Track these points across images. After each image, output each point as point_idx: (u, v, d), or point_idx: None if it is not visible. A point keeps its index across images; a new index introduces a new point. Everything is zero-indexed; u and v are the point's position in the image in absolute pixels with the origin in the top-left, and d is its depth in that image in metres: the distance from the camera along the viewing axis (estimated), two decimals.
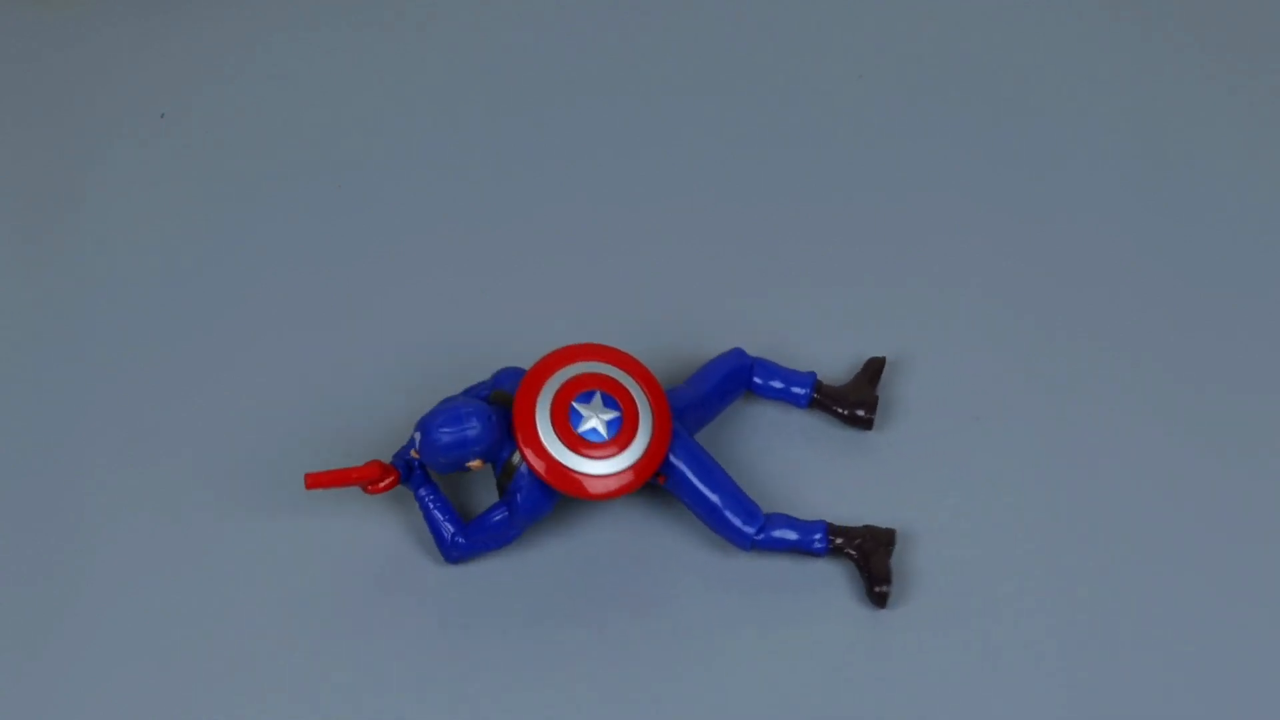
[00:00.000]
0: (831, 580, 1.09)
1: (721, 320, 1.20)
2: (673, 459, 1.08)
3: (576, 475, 1.06)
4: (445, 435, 1.05)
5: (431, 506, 1.09)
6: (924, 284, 1.21)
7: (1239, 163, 1.26)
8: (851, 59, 1.32)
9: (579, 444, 1.06)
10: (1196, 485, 1.13)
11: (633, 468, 1.07)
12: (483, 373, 1.17)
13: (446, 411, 1.06)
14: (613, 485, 1.06)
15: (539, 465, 1.05)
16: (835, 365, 1.17)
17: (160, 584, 1.10)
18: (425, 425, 1.06)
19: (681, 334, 1.19)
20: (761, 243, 1.23)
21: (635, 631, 1.08)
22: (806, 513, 1.11)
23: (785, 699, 1.05)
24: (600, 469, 1.06)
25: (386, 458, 1.14)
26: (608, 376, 1.07)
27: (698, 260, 1.23)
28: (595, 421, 1.06)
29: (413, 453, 1.07)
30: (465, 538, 1.08)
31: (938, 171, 1.26)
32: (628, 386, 1.07)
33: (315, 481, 1.07)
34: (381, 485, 1.08)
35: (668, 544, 1.11)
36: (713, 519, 1.08)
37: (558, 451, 1.06)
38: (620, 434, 1.06)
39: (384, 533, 1.11)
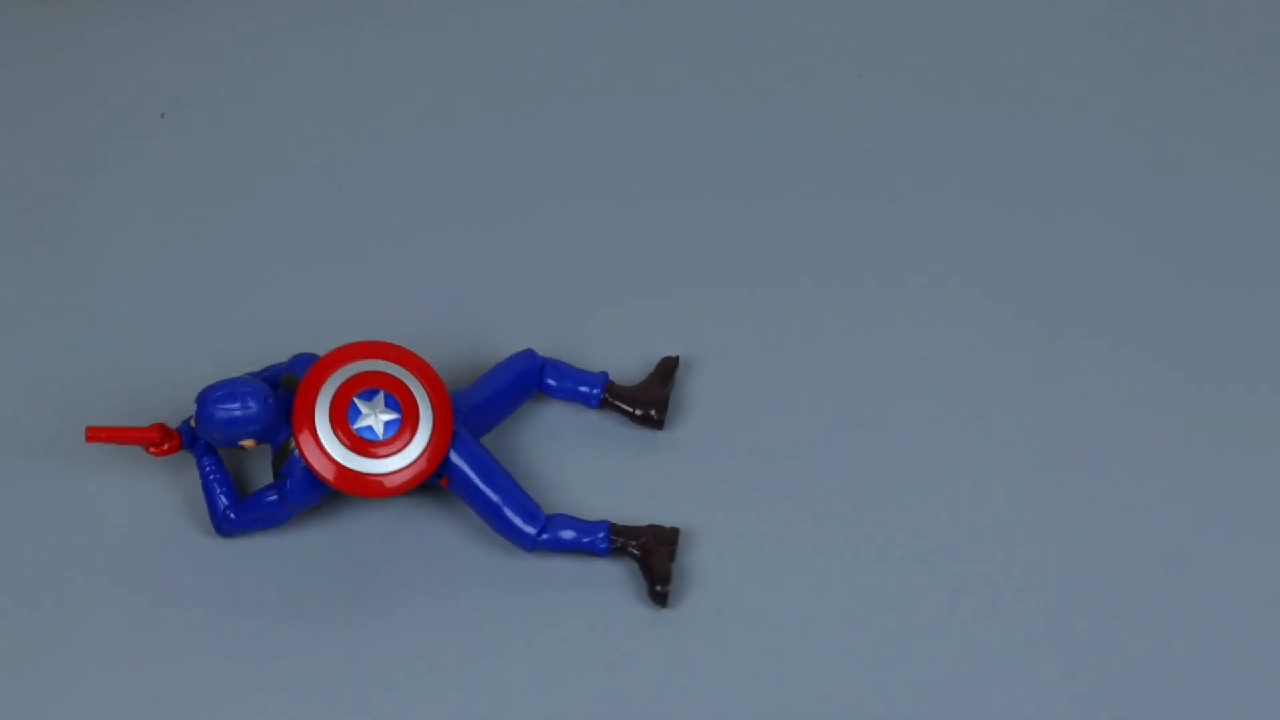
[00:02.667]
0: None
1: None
2: (455, 460, 1.08)
3: (349, 470, 1.06)
4: (219, 411, 1.06)
5: (210, 477, 1.09)
6: (920, 284, 1.21)
7: (1239, 163, 1.26)
8: (851, 59, 1.32)
9: (354, 441, 1.06)
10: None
11: (407, 469, 1.06)
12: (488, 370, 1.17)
13: (224, 387, 1.06)
14: (395, 482, 1.06)
15: (315, 460, 1.06)
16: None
17: None
18: (202, 398, 1.06)
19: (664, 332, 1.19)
20: (763, 242, 1.23)
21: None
22: (593, 513, 1.12)
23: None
24: (372, 468, 1.06)
25: None
26: (393, 376, 1.08)
27: (702, 260, 1.23)
28: (372, 420, 1.06)
29: (191, 422, 1.08)
30: (236, 514, 1.09)
31: (935, 172, 1.26)
32: (411, 388, 1.07)
33: (94, 435, 1.07)
34: (163, 448, 1.08)
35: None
36: (494, 519, 1.08)
37: (332, 445, 1.06)
38: (396, 436, 1.06)
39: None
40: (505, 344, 1.18)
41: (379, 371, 1.08)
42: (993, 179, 1.26)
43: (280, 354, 1.18)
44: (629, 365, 1.18)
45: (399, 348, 1.10)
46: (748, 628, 1.08)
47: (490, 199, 1.26)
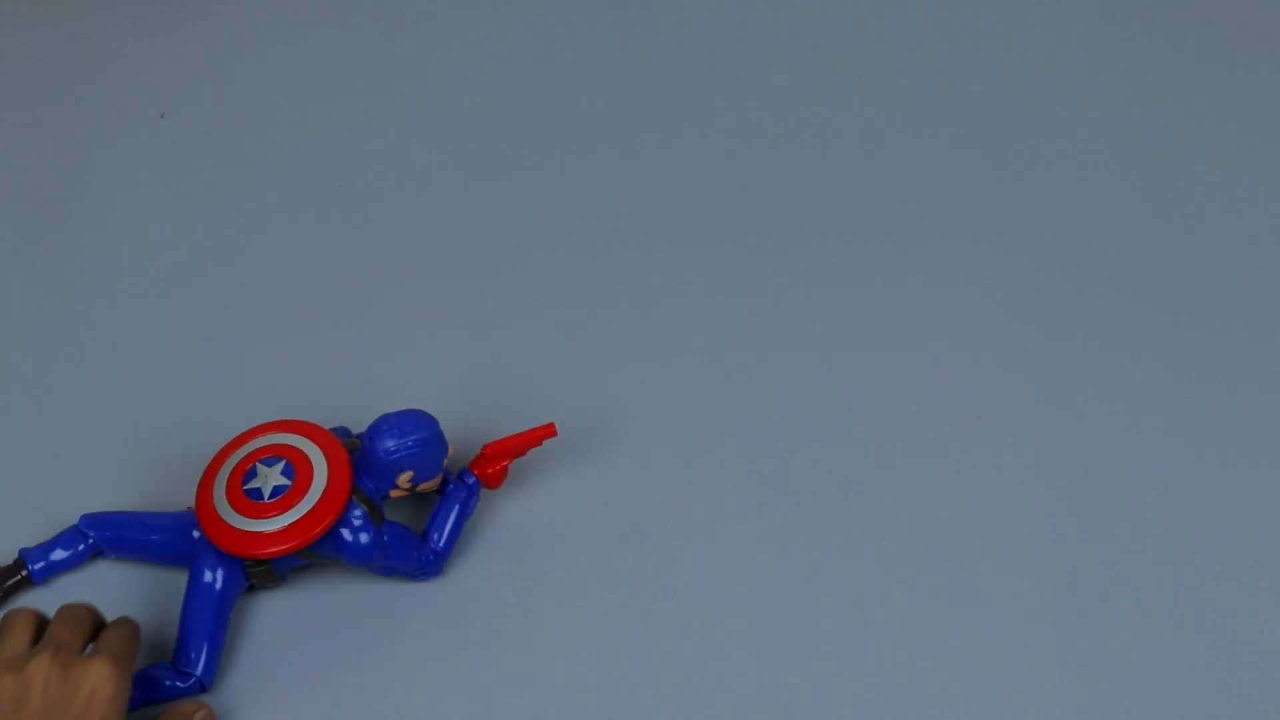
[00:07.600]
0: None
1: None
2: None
3: (226, 525, 1.04)
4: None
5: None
6: (919, 284, 1.21)
7: (1241, 163, 1.26)
8: (852, 59, 1.32)
9: (240, 500, 1.04)
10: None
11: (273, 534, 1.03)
12: (489, 370, 1.17)
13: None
14: (262, 546, 1.03)
15: (203, 519, 1.04)
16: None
17: None
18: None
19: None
20: (762, 242, 1.23)
21: None
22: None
23: None
24: (246, 525, 1.04)
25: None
26: (304, 455, 1.06)
27: (704, 260, 1.23)
28: (260, 482, 1.04)
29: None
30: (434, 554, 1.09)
31: (935, 171, 1.26)
32: (315, 467, 1.05)
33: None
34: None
35: None
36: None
37: (220, 504, 1.04)
38: (281, 500, 1.04)
39: None
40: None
41: (290, 446, 1.06)
42: (993, 179, 1.26)
43: (272, 353, 1.18)
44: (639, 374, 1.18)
45: (321, 430, 1.08)
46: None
47: (494, 201, 1.26)
